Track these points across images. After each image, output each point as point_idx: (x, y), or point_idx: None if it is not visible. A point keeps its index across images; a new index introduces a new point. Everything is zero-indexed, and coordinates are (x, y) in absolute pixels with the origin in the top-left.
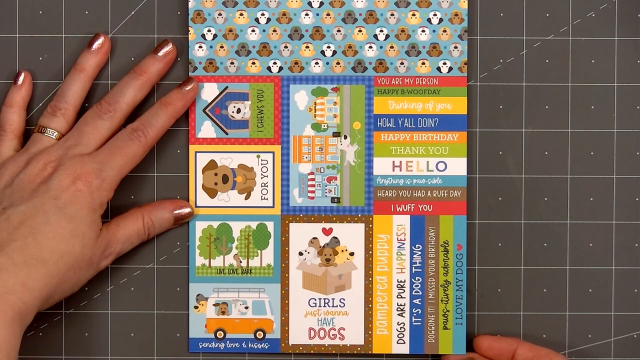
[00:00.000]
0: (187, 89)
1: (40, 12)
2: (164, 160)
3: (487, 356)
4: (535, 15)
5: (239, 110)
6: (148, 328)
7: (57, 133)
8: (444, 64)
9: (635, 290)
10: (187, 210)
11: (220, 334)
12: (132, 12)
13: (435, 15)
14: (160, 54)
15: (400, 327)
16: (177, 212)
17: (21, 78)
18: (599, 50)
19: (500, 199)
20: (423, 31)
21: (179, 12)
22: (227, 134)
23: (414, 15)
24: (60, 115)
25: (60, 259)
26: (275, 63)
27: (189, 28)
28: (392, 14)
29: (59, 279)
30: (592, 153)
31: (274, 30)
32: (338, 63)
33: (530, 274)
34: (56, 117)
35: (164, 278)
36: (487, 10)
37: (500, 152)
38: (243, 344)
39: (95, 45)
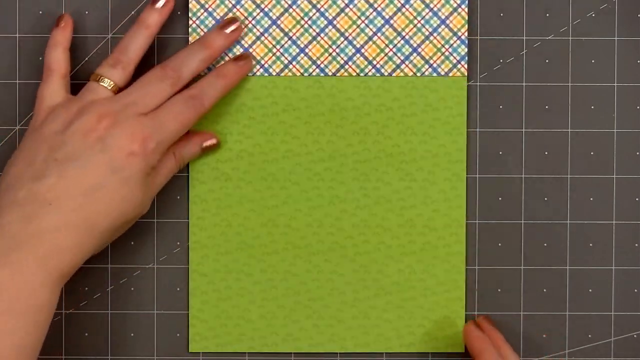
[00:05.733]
0: (241, 63)
1: (40, 12)
2: None
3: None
4: (535, 15)
5: None
6: (148, 328)
7: (114, 85)
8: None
9: (635, 290)
10: (213, 141)
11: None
12: (132, 12)
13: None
14: (228, 31)
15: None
16: (205, 144)
17: (63, 21)
18: (599, 50)
19: (500, 199)
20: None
21: (178, 12)
22: None
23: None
24: (121, 69)
25: (112, 223)
26: None
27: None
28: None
29: (106, 240)
30: (592, 153)
31: None
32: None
33: (530, 274)
34: (116, 70)
35: (164, 278)
36: (487, 10)
37: (500, 152)
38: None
39: (161, 3)
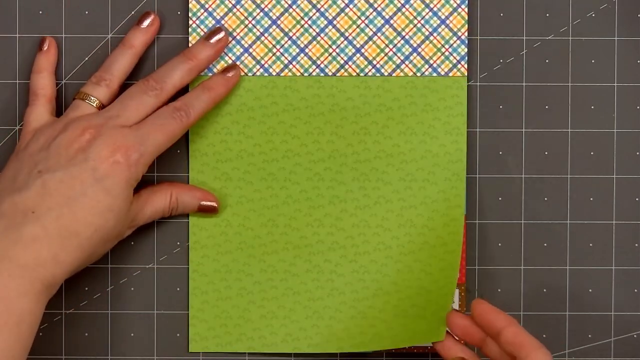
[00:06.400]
0: (229, 75)
1: (40, 12)
2: (164, 160)
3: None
4: (535, 15)
5: None
6: (148, 328)
7: (97, 102)
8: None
9: (635, 290)
10: (213, 204)
11: None
12: (132, 12)
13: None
14: (212, 40)
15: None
16: (203, 203)
17: (46, 44)
18: (599, 50)
19: (500, 199)
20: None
21: (179, 12)
22: None
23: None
24: (105, 86)
25: (94, 233)
26: None
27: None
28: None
29: (90, 252)
30: (592, 153)
31: None
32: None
33: (530, 273)
34: (100, 87)
35: (164, 278)
36: (487, 10)
37: (500, 152)
38: None
39: (146, 23)
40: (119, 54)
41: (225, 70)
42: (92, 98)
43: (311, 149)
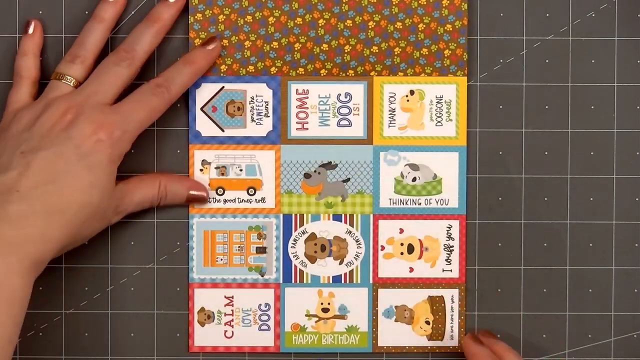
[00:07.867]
0: (210, 48)
1: (40, 12)
2: (164, 160)
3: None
4: (535, 15)
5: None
6: (148, 328)
7: (74, 80)
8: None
9: (635, 290)
10: (202, 194)
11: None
12: (132, 12)
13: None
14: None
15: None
16: (192, 192)
17: (32, 27)
18: (599, 50)
19: (500, 199)
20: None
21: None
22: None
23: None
24: (79, 63)
25: (79, 210)
26: None
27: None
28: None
29: (76, 229)
30: (592, 153)
31: None
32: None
33: (530, 274)
34: (75, 65)
35: (164, 278)
36: (487, 10)
37: (500, 152)
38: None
39: None
40: (90, 29)
41: (206, 43)
42: (69, 77)
43: None
